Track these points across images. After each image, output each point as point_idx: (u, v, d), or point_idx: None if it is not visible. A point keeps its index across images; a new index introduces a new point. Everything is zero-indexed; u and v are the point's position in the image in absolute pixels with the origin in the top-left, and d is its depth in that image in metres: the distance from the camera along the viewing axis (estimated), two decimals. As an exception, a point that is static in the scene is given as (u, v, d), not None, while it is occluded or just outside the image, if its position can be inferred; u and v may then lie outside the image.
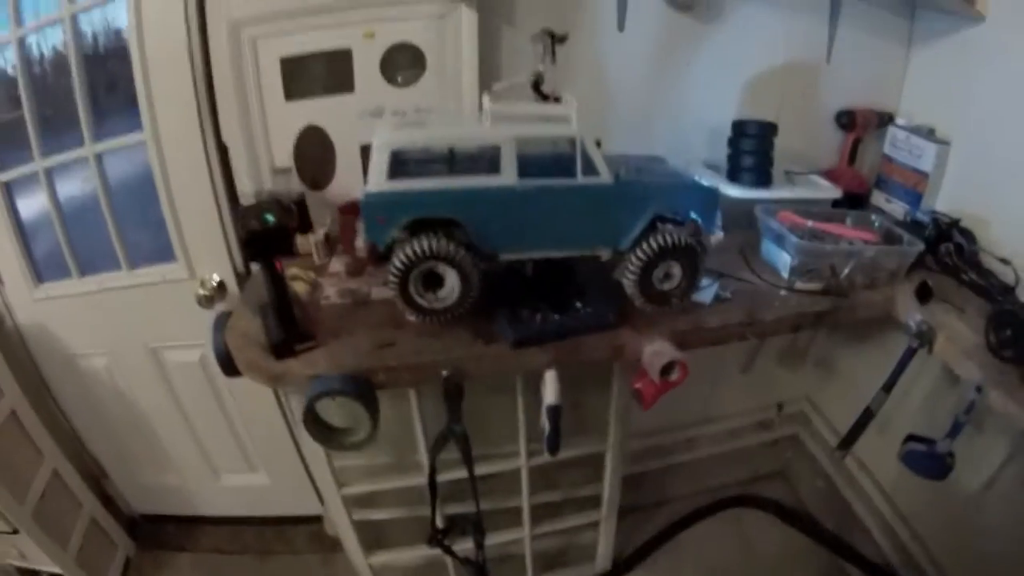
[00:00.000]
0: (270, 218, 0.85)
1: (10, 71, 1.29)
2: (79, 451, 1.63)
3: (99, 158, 1.29)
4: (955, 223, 1.23)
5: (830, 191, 1.30)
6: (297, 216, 0.91)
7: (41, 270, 1.43)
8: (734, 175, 1.25)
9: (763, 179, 1.24)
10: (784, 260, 1.11)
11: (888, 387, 1.12)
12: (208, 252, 1.29)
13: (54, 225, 1.36)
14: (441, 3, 1.11)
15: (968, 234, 1.22)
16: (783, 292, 1.08)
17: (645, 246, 0.91)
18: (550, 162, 0.90)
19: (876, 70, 1.49)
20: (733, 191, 1.21)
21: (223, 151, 1.20)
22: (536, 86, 0.99)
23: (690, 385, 0.93)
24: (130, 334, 1.42)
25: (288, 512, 1.75)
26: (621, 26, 1.12)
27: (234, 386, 1.42)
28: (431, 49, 1.15)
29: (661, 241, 0.90)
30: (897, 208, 1.44)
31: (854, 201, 1.39)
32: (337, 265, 1.11)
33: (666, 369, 0.91)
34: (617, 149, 1.02)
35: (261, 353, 0.90)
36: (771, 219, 1.14)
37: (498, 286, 0.96)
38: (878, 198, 1.50)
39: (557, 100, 0.98)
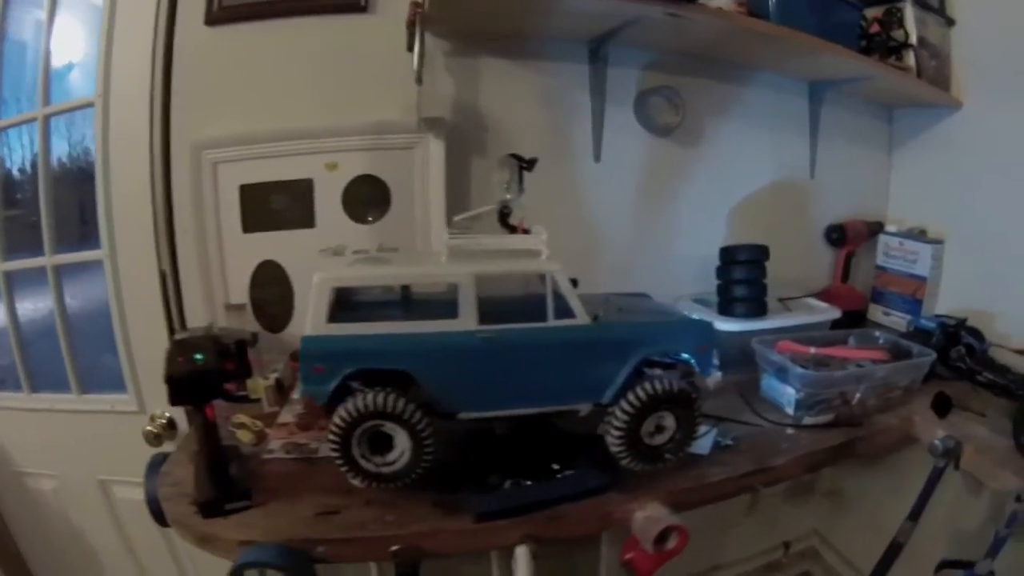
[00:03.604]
0: (199, 358, 0.76)
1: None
2: (24, 573, 1.50)
3: (57, 271, 1.23)
4: (962, 323, 1.15)
5: (829, 312, 1.22)
6: (236, 358, 0.82)
7: (-9, 377, 1.35)
8: (726, 308, 1.15)
9: (758, 309, 1.14)
10: (789, 395, 1.00)
11: (915, 515, 1.00)
12: (161, 385, 1.19)
13: (8, 334, 1.29)
14: (407, 134, 1.06)
15: (976, 332, 1.14)
16: (790, 431, 0.98)
17: (632, 397, 0.79)
18: (519, 305, 0.80)
19: (861, 179, 1.45)
20: (726, 325, 1.11)
21: (165, 278, 1.13)
22: (503, 217, 0.91)
23: (692, 533, 0.80)
24: (79, 462, 1.32)
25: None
26: (597, 157, 1.06)
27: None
28: (397, 182, 1.09)
29: (651, 389, 0.78)
30: (897, 319, 1.37)
31: (851, 320, 1.32)
32: (288, 415, 1.00)
33: (661, 537, 0.79)
34: (598, 290, 0.94)
35: (190, 508, 0.80)
36: (770, 351, 1.04)
37: (466, 446, 0.85)
38: (875, 312, 1.44)
39: (527, 232, 0.88)
